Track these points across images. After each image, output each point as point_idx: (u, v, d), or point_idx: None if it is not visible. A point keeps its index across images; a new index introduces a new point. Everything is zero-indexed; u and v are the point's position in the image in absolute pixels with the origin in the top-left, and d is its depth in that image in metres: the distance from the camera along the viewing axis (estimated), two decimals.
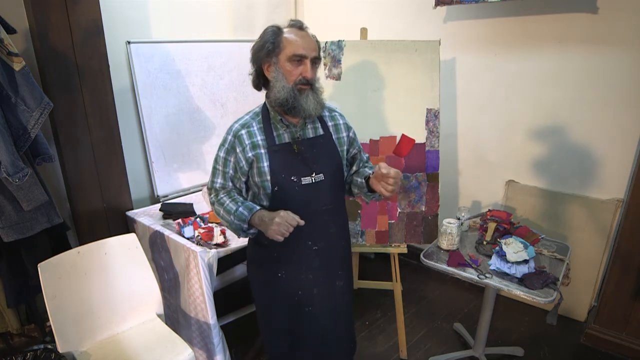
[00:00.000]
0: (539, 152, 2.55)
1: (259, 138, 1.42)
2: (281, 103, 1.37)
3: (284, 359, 1.67)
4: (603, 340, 2.32)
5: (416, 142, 2.18)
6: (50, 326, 1.62)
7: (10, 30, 1.74)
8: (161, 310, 1.90)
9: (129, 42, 2.33)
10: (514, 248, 1.83)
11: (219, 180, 1.48)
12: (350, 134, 1.58)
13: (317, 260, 1.52)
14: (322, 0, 3.19)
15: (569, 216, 2.49)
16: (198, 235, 2.00)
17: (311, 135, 1.47)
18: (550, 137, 2.48)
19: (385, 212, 2.23)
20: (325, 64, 2.00)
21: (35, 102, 1.75)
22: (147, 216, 2.26)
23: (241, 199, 1.46)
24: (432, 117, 2.16)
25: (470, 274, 1.82)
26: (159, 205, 2.39)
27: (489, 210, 2.15)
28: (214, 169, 1.49)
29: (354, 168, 1.61)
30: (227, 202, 1.44)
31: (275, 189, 1.41)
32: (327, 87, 2.01)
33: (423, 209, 2.22)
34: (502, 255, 1.83)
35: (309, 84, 1.37)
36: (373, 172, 1.43)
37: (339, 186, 1.54)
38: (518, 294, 1.69)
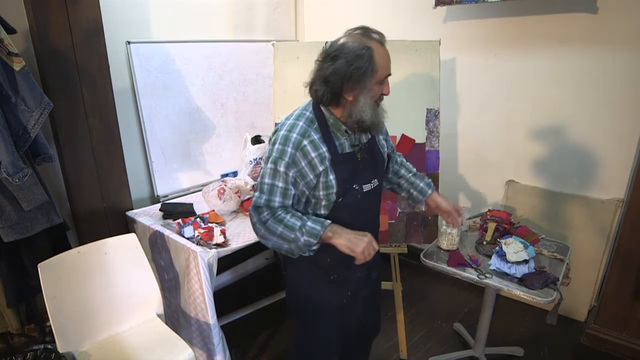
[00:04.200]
0: (539, 152, 2.55)
1: (324, 149, 1.30)
2: (361, 121, 1.28)
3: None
4: (603, 340, 2.32)
5: (416, 142, 2.19)
6: (50, 326, 1.62)
7: (10, 30, 1.74)
8: (161, 310, 1.90)
9: (129, 42, 2.33)
10: (514, 248, 1.83)
11: (277, 198, 1.30)
12: (384, 135, 1.54)
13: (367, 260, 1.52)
14: (322, 0, 3.19)
15: (569, 216, 2.49)
16: (198, 235, 2.00)
17: (365, 140, 1.41)
18: (550, 137, 2.48)
19: (385, 212, 2.23)
20: None
21: (35, 102, 1.75)
22: (147, 216, 2.26)
23: (300, 213, 1.33)
24: (432, 117, 2.16)
25: (470, 274, 1.82)
26: (159, 205, 2.39)
27: (489, 210, 2.15)
28: (271, 186, 1.29)
29: (393, 166, 1.63)
30: (287, 218, 1.29)
31: (340, 200, 1.35)
32: None
33: (423, 209, 2.22)
34: (502, 255, 1.83)
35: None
36: (430, 193, 1.58)
37: (382, 191, 1.56)
38: (518, 294, 1.69)
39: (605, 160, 2.34)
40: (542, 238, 2.12)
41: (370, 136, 1.43)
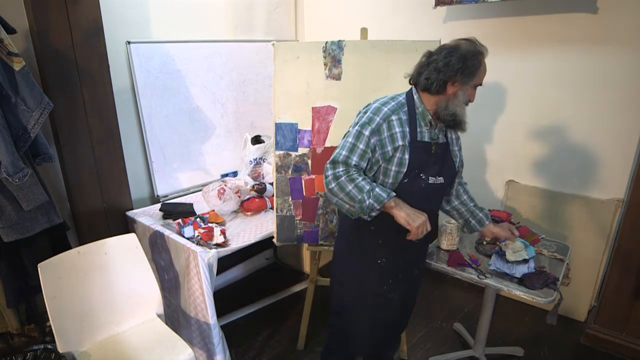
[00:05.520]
0: (539, 152, 2.55)
1: (407, 129, 1.46)
2: (454, 116, 1.45)
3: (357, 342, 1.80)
4: (603, 340, 2.32)
5: None
6: (50, 326, 1.62)
7: (10, 30, 1.74)
8: (161, 310, 1.90)
9: (129, 42, 2.33)
10: (513, 248, 1.83)
11: (356, 158, 1.46)
12: (458, 148, 1.68)
13: (412, 251, 1.64)
14: (322, 0, 3.19)
15: (569, 216, 2.49)
16: (198, 235, 2.00)
17: (441, 141, 1.55)
18: (550, 137, 2.48)
19: None
20: (325, 64, 2.00)
21: (35, 102, 1.75)
22: (147, 216, 2.26)
23: (369, 179, 1.47)
24: None
25: (470, 274, 1.82)
26: (159, 205, 2.39)
27: (489, 210, 2.14)
28: (352, 145, 1.46)
29: (456, 186, 1.75)
30: (359, 179, 1.44)
31: (405, 181, 1.48)
32: (327, 87, 2.01)
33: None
34: (502, 255, 1.83)
35: None
36: (488, 224, 1.72)
37: (446, 192, 1.72)
38: (518, 294, 1.69)
39: (605, 160, 2.34)
40: (542, 238, 2.12)
41: (446, 140, 1.57)
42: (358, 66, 2.00)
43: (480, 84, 1.48)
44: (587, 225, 2.43)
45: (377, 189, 1.42)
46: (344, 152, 1.46)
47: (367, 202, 1.41)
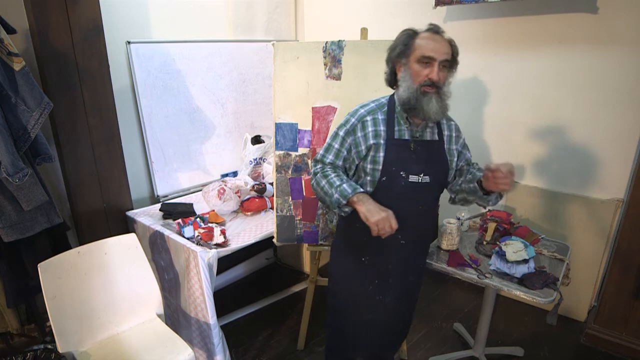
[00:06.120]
0: (538, 152, 2.55)
1: (382, 128, 1.49)
2: (404, 102, 1.45)
3: (347, 345, 1.80)
4: (603, 340, 2.33)
5: None
6: (50, 326, 1.62)
7: (10, 30, 1.74)
8: (161, 310, 1.90)
9: (129, 42, 2.33)
10: (513, 248, 1.83)
11: (331, 156, 1.55)
12: (459, 147, 1.63)
13: (401, 254, 1.62)
14: (322, 0, 3.19)
15: (569, 216, 2.49)
16: (198, 235, 2.00)
17: (428, 138, 1.54)
18: (550, 137, 2.48)
19: None
20: (325, 64, 2.00)
21: (35, 102, 1.75)
22: (147, 216, 2.26)
23: (345, 177, 1.53)
24: None
25: (470, 274, 1.82)
26: (159, 205, 2.39)
27: (489, 210, 2.14)
28: (329, 145, 1.55)
29: (462, 178, 1.64)
30: (332, 175, 1.51)
31: (383, 179, 1.49)
32: (327, 87, 2.01)
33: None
34: (502, 255, 1.83)
35: (435, 87, 1.41)
36: (483, 174, 1.48)
37: (439, 191, 1.64)
38: (518, 294, 1.69)
39: (605, 160, 2.34)
40: (542, 238, 2.12)
41: (437, 138, 1.53)
42: (358, 66, 2.00)
43: (432, 58, 1.38)
44: (587, 225, 2.43)
45: (344, 185, 1.46)
46: (321, 152, 1.58)
47: (335, 197, 1.46)
